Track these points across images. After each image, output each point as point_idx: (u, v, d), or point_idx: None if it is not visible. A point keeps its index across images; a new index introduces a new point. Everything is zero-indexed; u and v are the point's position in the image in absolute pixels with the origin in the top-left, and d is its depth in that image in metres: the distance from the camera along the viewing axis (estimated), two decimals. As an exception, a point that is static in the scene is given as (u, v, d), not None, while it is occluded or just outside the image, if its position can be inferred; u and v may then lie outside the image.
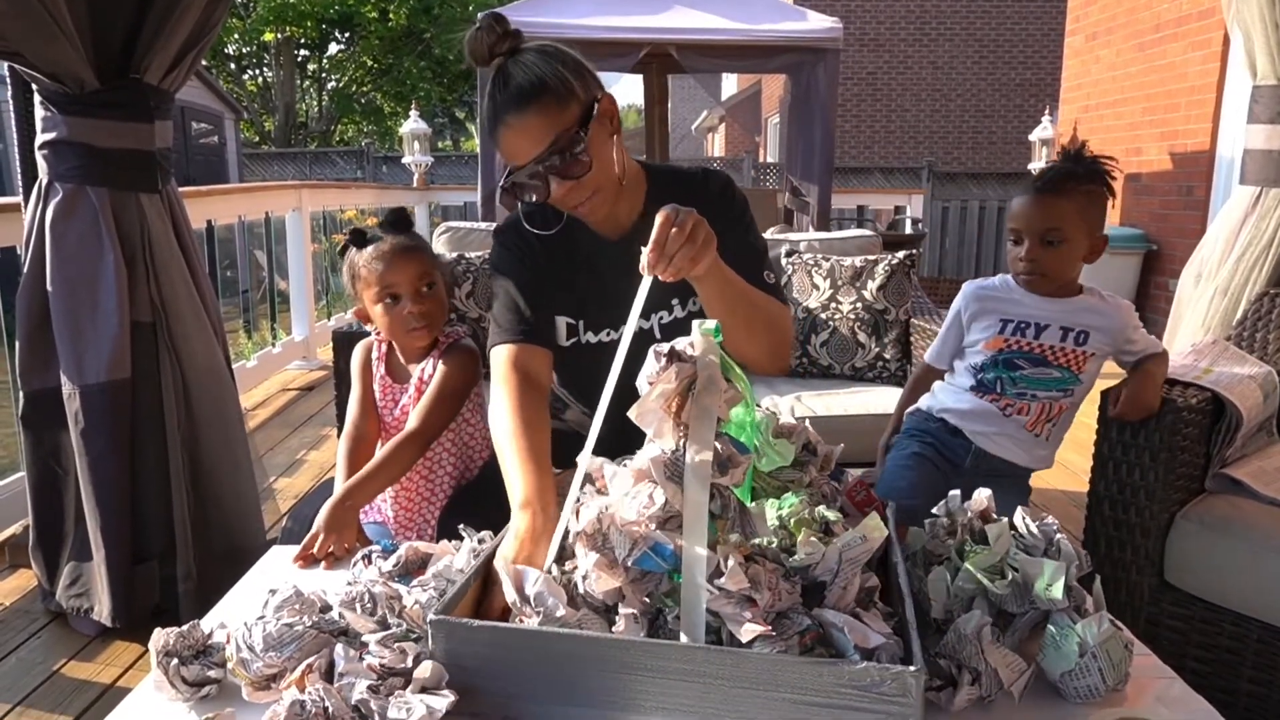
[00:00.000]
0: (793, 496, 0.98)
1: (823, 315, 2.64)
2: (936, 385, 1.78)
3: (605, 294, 1.42)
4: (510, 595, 0.93)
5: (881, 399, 2.41)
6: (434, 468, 1.51)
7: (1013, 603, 0.97)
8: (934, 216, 8.20)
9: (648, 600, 0.91)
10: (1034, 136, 7.61)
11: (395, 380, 1.54)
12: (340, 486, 1.38)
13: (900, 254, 2.65)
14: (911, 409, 1.78)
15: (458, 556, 1.11)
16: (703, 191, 1.38)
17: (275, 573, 1.25)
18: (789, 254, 2.79)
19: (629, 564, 0.85)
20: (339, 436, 2.10)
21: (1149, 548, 1.59)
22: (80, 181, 1.90)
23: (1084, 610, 0.96)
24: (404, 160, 7.65)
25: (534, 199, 1.26)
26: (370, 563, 1.18)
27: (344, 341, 2.14)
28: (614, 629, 0.90)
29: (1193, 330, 2.28)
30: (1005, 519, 1.02)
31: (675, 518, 0.88)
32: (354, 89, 18.74)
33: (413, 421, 1.43)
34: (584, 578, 0.92)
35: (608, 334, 1.44)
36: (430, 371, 1.49)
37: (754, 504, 0.93)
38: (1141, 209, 6.28)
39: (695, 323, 0.93)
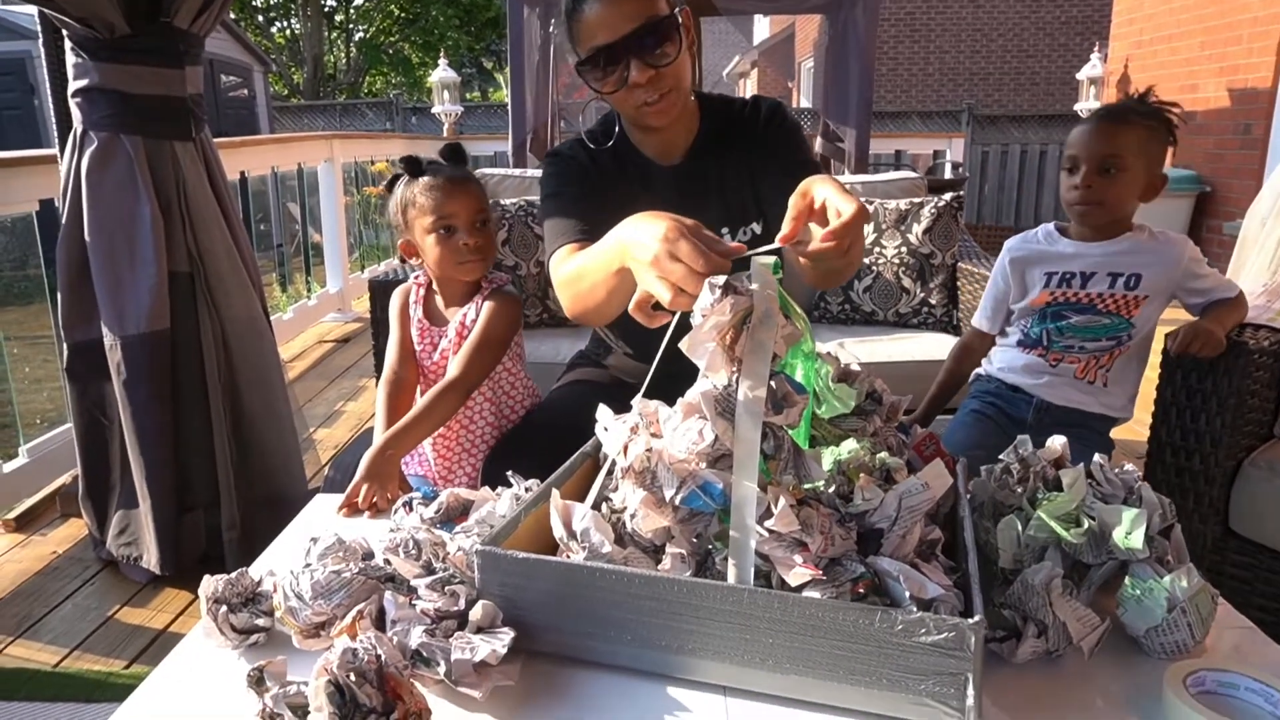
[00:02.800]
0: (853, 443, 0.94)
1: (866, 260, 2.57)
2: (991, 351, 1.72)
3: None
4: (558, 530, 0.90)
5: (927, 345, 2.34)
6: (473, 417, 1.49)
7: (1088, 553, 0.92)
8: (974, 161, 7.97)
9: (696, 541, 0.88)
10: (1082, 75, 7.32)
11: (433, 324, 1.51)
12: (380, 435, 1.36)
13: (947, 196, 2.56)
14: (972, 378, 1.72)
15: (500, 502, 1.09)
16: (753, 119, 1.37)
17: (318, 521, 1.24)
18: (831, 197, 2.70)
19: (677, 503, 0.82)
20: (377, 386, 2.10)
21: (1213, 495, 1.53)
22: (114, 130, 1.88)
23: (1165, 561, 0.91)
24: (433, 110, 7.57)
25: (605, 85, 1.25)
26: (411, 510, 1.16)
27: (381, 289, 2.11)
28: (659, 567, 0.87)
29: (1257, 272, 2.17)
30: (1101, 464, 0.97)
31: (726, 456, 0.84)
32: (382, 39, 18.56)
33: (453, 369, 1.40)
34: (631, 516, 0.89)
35: None
36: (472, 317, 1.46)
37: (811, 449, 0.89)
38: (1195, 149, 6.03)
39: (753, 256, 0.88)
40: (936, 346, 2.32)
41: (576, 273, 1.20)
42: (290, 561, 0.98)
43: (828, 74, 6.04)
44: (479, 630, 0.85)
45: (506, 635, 0.83)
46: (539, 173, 2.71)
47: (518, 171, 2.73)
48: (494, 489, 1.22)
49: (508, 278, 1.55)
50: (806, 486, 0.86)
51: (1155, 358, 1.61)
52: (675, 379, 0.95)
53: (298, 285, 5.44)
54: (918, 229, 2.53)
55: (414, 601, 0.87)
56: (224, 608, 0.90)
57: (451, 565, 0.96)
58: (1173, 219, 5.74)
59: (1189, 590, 0.86)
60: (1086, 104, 7.15)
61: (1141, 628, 0.88)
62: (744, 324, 0.81)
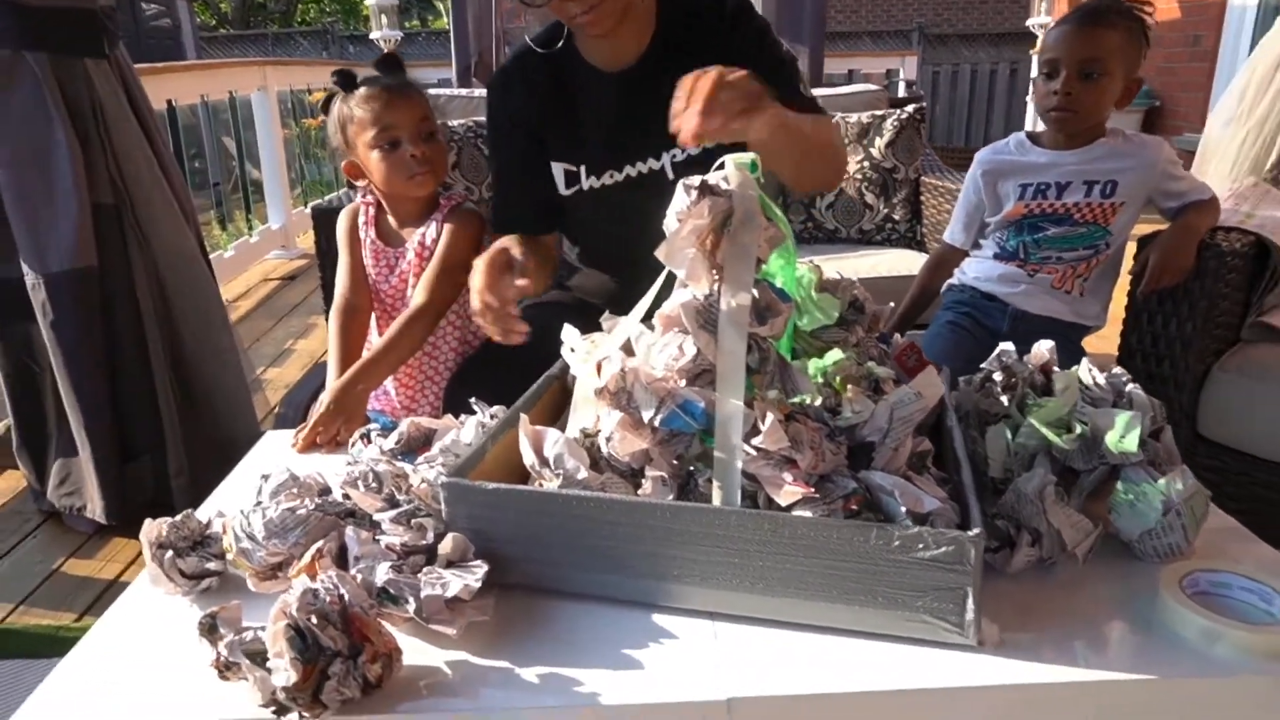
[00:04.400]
0: (838, 353, 0.89)
1: (829, 177, 2.50)
2: (964, 262, 1.67)
3: (607, 133, 1.32)
4: (528, 457, 0.85)
5: (894, 261, 2.30)
6: (437, 344, 1.42)
7: (1080, 459, 0.89)
8: (924, 81, 7.88)
9: (677, 463, 0.83)
10: (1036, -12, 7.21)
11: (388, 245, 1.42)
12: (334, 368, 1.29)
13: (910, 108, 2.49)
14: (944, 288, 1.68)
15: (464, 430, 1.03)
16: (717, 20, 1.25)
17: (270, 459, 1.16)
18: (791, 113, 2.61)
19: (656, 424, 0.76)
20: (327, 320, 2.00)
21: (1183, 400, 1.52)
22: (15, 46, 1.71)
23: (1157, 464, 0.88)
24: (371, 36, 7.19)
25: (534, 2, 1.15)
26: (370, 442, 1.09)
27: (325, 218, 1.99)
28: (640, 491, 0.82)
29: (1220, 176, 2.16)
30: (1074, 369, 0.94)
31: (707, 372, 0.79)
32: (312, -37, 17.62)
33: (420, 296, 1.32)
34: (607, 439, 0.83)
35: (610, 176, 1.34)
36: (433, 236, 1.37)
37: (796, 361, 0.84)
38: (1146, 63, 6.02)
39: (729, 157, 0.82)
40: (902, 262, 2.28)
41: None
42: (240, 501, 0.91)
43: (780, -10, 5.87)
44: (449, 565, 0.79)
45: (480, 569, 0.77)
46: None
47: (464, 91, 2.59)
48: (456, 417, 1.16)
49: (464, 194, 1.46)
50: (792, 401, 0.81)
51: (1128, 264, 1.59)
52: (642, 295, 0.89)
53: (238, 223, 5.21)
54: (880, 143, 2.47)
55: (377, 537, 0.81)
56: (169, 553, 0.83)
57: (415, 498, 0.90)
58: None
59: (1184, 492, 0.84)
60: (1039, 19, 7.08)
61: (1135, 531, 0.86)
62: (724, 227, 0.74)
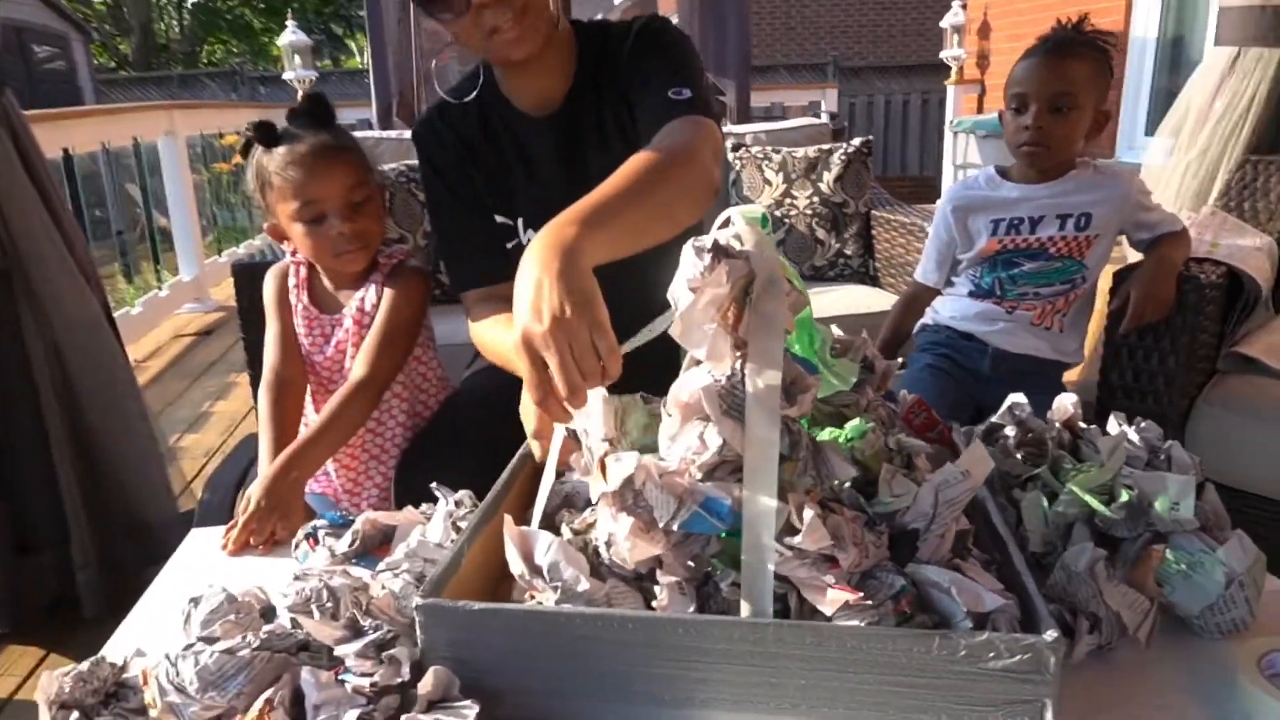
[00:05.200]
0: (860, 424, 0.79)
1: (777, 213, 2.44)
2: (936, 301, 1.61)
3: (540, 184, 1.20)
4: (516, 566, 0.72)
5: (847, 299, 2.25)
6: (383, 419, 1.27)
7: (1124, 527, 0.81)
8: (843, 112, 8.05)
9: (693, 565, 0.71)
10: (945, 23, 7.43)
11: (323, 311, 1.27)
12: (266, 453, 1.13)
13: (856, 141, 2.46)
14: (917, 329, 1.61)
15: (430, 527, 0.89)
16: (624, 37, 1.16)
17: (198, 566, 1.00)
18: (735, 148, 2.56)
19: (675, 528, 0.65)
20: (251, 382, 1.82)
21: (1169, 437, 1.47)
22: (-119, 93, 1.51)
23: (1208, 528, 0.81)
24: (285, 77, 6.97)
25: (449, 9, 1.03)
26: (318, 543, 0.94)
27: (246, 274, 1.82)
28: (655, 603, 0.70)
29: (1165, 206, 2.17)
30: (1122, 429, 0.86)
31: (728, 463, 0.68)
32: (219, 3, 17.18)
33: (360, 368, 1.17)
34: (608, 544, 0.71)
35: None
36: (373, 300, 1.23)
37: (827, 439, 0.73)
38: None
39: (733, 211, 0.72)
40: (858, 299, 2.23)
41: (493, 351, 1.13)
42: (163, 629, 0.76)
43: (703, 26, 5.90)
44: (430, 706, 0.66)
45: (469, 711, 0.64)
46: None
47: (394, 133, 2.45)
48: (412, 504, 1.02)
49: (409, 249, 1.32)
50: (824, 487, 0.71)
51: (1102, 297, 1.55)
52: (631, 359, 0.78)
53: (146, 275, 4.91)
54: (828, 177, 2.43)
55: (341, 676, 0.67)
56: (76, 714, 0.67)
57: (376, 612, 0.76)
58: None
59: (1246, 561, 0.76)
60: (952, 51, 7.31)
61: (1195, 607, 0.77)
62: (746, 296, 0.64)
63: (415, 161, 2.23)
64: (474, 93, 1.19)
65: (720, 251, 0.65)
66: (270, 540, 1.02)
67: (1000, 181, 1.53)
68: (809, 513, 0.64)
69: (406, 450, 1.25)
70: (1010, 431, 0.95)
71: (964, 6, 7.26)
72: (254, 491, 1.03)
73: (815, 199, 2.42)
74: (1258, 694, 0.68)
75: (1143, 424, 0.90)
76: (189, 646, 0.69)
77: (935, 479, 0.71)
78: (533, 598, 0.73)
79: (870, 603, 0.64)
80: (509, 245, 1.23)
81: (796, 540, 0.63)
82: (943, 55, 7.36)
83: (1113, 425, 0.88)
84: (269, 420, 1.19)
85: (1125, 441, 0.87)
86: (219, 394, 3.21)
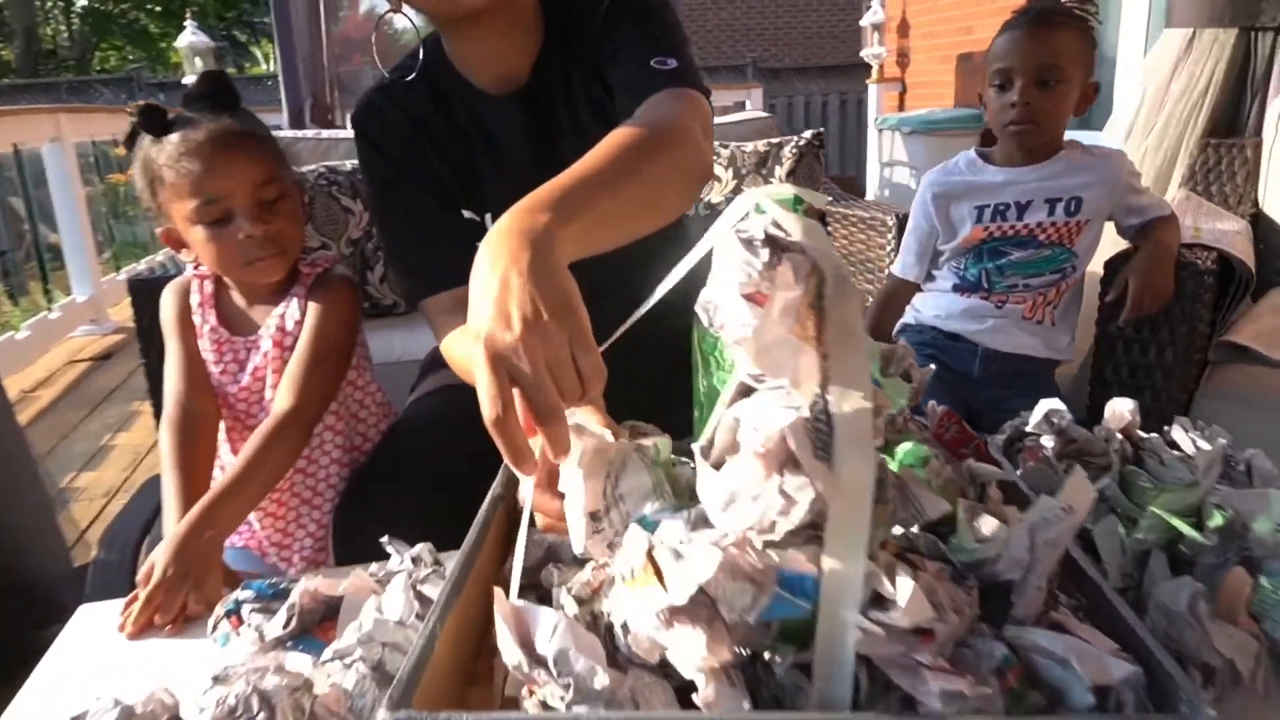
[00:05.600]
0: (916, 448, 0.65)
1: (728, 211, 2.31)
2: (916, 298, 1.50)
3: (508, 171, 1.04)
4: (512, 656, 0.55)
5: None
6: (314, 456, 1.07)
7: (1213, 553, 0.69)
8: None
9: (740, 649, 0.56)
10: (865, 21, 7.50)
11: (235, 331, 1.08)
12: (173, 506, 0.94)
13: (808, 134, 2.35)
14: (897, 330, 1.50)
15: (386, 597, 0.72)
16: (596, 2, 1.00)
17: (87, 652, 0.80)
18: (680, 144, 2.42)
19: (752, 620, 0.49)
20: (156, 412, 1.60)
21: (1168, 433, 1.40)
22: None
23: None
24: (184, 81, 6.58)
25: None
26: (241, 623, 0.76)
27: (145, 291, 1.60)
28: (698, 698, 0.54)
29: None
30: (1221, 442, 0.74)
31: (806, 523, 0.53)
32: (111, 7, 16.29)
33: (286, 398, 0.98)
34: (625, 629, 0.56)
35: None
36: (296, 317, 1.04)
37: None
38: (974, 89, 6.33)
39: (757, 193, 0.57)
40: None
41: (463, 365, 0.93)
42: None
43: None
44: None
45: None
46: (338, 133, 2.23)
47: (312, 132, 2.23)
48: (355, 559, 0.85)
49: (334, 256, 1.14)
50: (896, 533, 0.56)
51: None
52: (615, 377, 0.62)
53: (34, 296, 4.51)
54: (780, 171, 2.31)
55: (280, 828, 0.50)
56: None
57: (328, 717, 0.59)
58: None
59: (1357, 587, 0.66)
60: (873, 49, 7.37)
61: (1300, 641, 0.66)
62: (819, 299, 0.49)
63: (337, 163, 2.03)
64: (414, 72, 1.02)
65: (775, 243, 0.50)
66: (180, 617, 0.82)
67: (983, 165, 1.44)
68: (907, 579, 0.49)
69: (345, 493, 1.06)
70: (1048, 442, 0.83)
71: (883, 4, 7.33)
72: (159, 556, 0.84)
73: (767, 194, 2.30)
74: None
75: (1208, 430, 0.78)
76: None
77: (1030, 518, 0.57)
78: (531, 693, 0.57)
79: (988, 690, 0.50)
80: (479, 245, 1.05)
81: (891, 616, 0.49)
82: (863, 54, 7.42)
83: (1179, 434, 0.77)
84: (175, 465, 0.99)
85: (1187, 450, 0.76)
86: (120, 425, 2.91)
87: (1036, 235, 1.38)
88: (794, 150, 2.32)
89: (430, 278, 1.00)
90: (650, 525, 0.58)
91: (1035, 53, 1.32)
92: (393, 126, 1.03)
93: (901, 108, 7.02)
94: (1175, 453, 0.77)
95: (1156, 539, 0.71)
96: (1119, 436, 0.78)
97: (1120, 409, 0.81)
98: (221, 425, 1.09)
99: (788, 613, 0.49)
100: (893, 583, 0.50)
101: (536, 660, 0.55)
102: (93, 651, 0.81)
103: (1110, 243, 1.46)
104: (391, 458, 1.07)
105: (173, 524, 0.91)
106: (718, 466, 0.49)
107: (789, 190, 0.60)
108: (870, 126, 6.53)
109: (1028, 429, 0.87)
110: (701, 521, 0.55)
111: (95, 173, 5.12)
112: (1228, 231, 1.53)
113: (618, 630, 0.56)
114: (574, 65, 1.03)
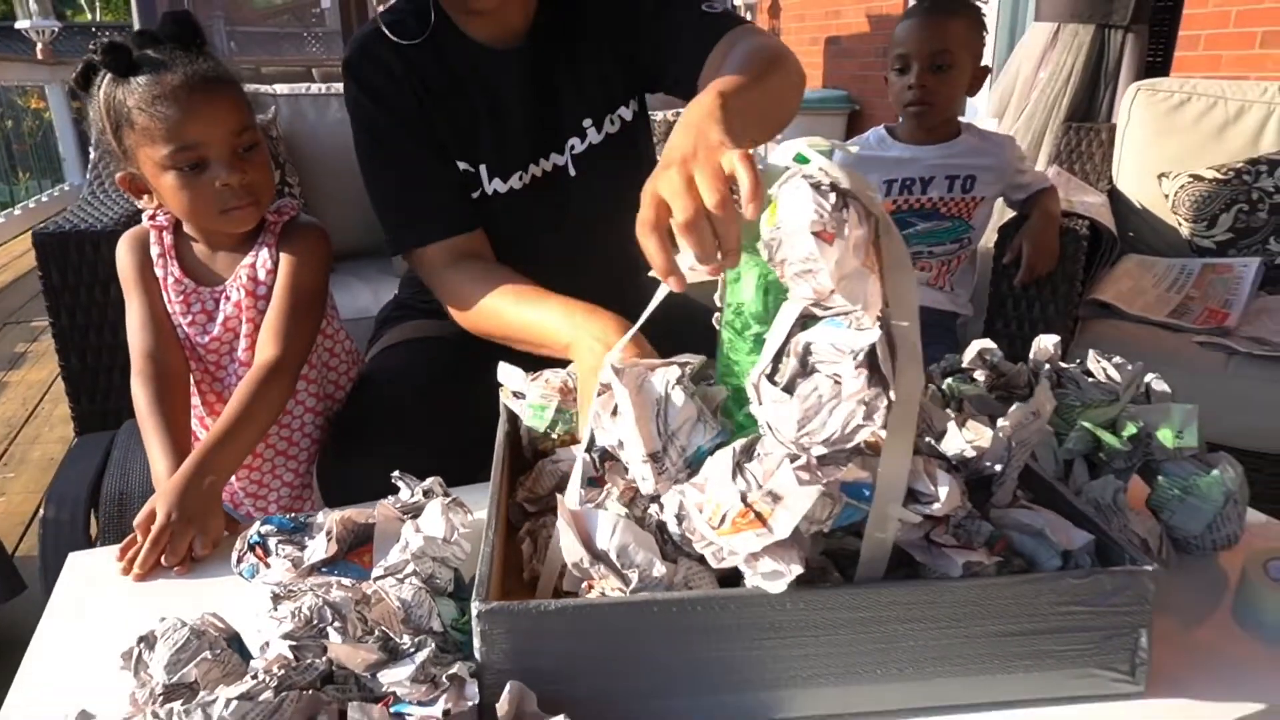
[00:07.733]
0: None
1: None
2: None
3: (508, 126, 1.08)
4: (573, 553, 0.62)
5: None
6: (289, 406, 1.07)
7: (1124, 458, 0.84)
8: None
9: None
10: (739, 1, 7.72)
11: (200, 283, 1.07)
12: (162, 456, 0.93)
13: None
14: None
15: (425, 519, 0.76)
16: None
17: (99, 595, 0.81)
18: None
19: (827, 530, 0.58)
20: (54, 336, 1.53)
21: (1049, 379, 1.59)
22: None
23: (1198, 456, 0.85)
24: (19, 26, 5.99)
25: None
26: (269, 554, 0.78)
27: (53, 245, 1.51)
28: (748, 582, 0.63)
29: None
30: (1139, 363, 0.88)
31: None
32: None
33: (270, 348, 0.98)
34: (680, 519, 0.64)
35: (520, 178, 1.10)
36: (268, 266, 1.04)
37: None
38: (842, 71, 6.63)
39: (799, 143, 0.65)
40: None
41: (491, 321, 1.01)
42: (85, 688, 0.59)
43: None
44: (512, 732, 0.55)
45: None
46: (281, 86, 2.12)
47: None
48: (344, 502, 0.89)
49: (297, 203, 1.14)
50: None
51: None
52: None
53: None
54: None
55: (395, 709, 0.55)
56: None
57: (379, 624, 0.64)
58: (830, 135, 6.28)
59: (1236, 479, 0.82)
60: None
61: (1198, 527, 0.82)
62: (876, 237, 0.58)
63: (268, 116, 1.98)
64: (425, 34, 1.04)
65: (835, 190, 0.59)
66: (188, 558, 0.84)
67: (891, 142, 1.58)
68: (944, 475, 0.60)
69: (330, 440, 1.08)
70: (980, 375, 0.97)
71: (756, -13, 7.53)
72: (160, 503, 0.84)
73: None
74: (1263, 590, 0.73)
75: (1115, 358, 0.93)
76: (179, 698, 0.54)
77: (1009, 421, 0.69)
78: (590, 588, 0.64)
79: (999, 558, 0.62)
80: (474, 196, 1.10)
81: (932, 508, 0.59)
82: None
83: (1092, 363, 0.91)
84: (156, 416, 0.97)
85: (1099, 377, 0.91)
86: (11, 363, 2.66)
87: (939, 208, 1.53)
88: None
89: (423, 225, 1.02)
90: (702, 455, 0.66)
91: (929, 39, 1.47)
92: (393, 74, 1.04)
93: (775, 87, 7.23)
94: (1090, 379, 0.91)
95: (1081, 448, 0.85)
96: (1046, 365, 0.92)
97: (1046, 344, 0.95)
98: (190, 378, 1.08)
99: (852, 517, 0.58)
100: (932, 479, 0.60)
101: (596, 556, 0.62)
102: (99, 595, 0.81)
103: (1000, 216, 1.64)
104: (370, 406, 1.09)
105: (163, 473, 0.91)
106: (789, 390, 0.57)
107: (824, 142, 0.69)
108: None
109: (963, 365, 1.00)
110: (744, 450, 0.63)
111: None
112: (1093, 204, 1.75)
113: (670, 521, 0.64)
114: (574, 18, 1.08)
